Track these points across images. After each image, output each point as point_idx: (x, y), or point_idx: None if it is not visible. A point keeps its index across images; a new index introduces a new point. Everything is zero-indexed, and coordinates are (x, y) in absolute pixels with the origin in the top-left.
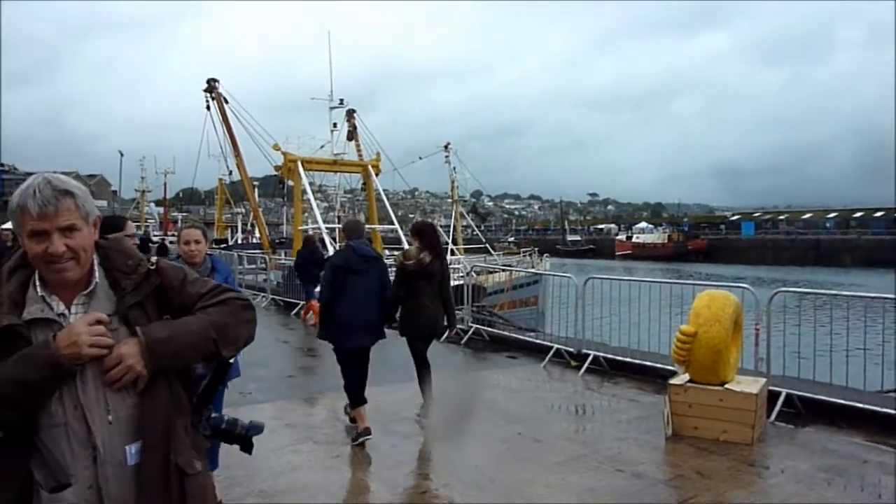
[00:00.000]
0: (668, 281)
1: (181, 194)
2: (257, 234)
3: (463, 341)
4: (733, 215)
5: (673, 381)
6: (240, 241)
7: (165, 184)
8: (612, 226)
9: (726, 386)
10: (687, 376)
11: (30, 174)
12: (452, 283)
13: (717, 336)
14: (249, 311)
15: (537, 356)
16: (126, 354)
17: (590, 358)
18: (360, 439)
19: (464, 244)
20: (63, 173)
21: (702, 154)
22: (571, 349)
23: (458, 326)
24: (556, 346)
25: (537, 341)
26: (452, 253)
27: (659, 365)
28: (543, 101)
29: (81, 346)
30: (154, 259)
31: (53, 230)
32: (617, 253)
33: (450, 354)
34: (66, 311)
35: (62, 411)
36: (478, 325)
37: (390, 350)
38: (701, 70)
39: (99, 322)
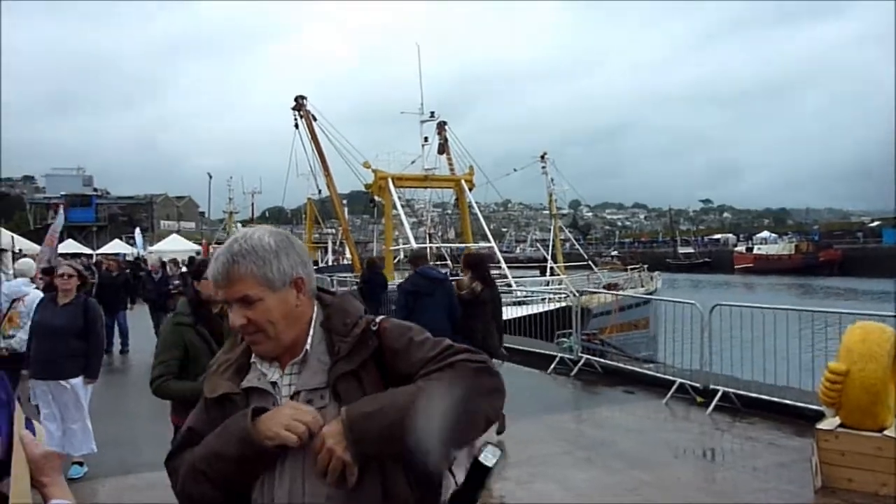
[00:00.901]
0: (808, 309)
1: (267, 214)
2: (347, 255)
3: (573, 373)
4: (872, 221)
5: (821, 425)
6: (330, 263)
7: (253, 204)
8: (730, 236)
9: (885, 432)
10: (837, 420)
11: (123, 199)
12: (557, 304)
13: (874, 375)
14: (490, 376)
15: (657, 391)
16: (327, 435)
17: (718, 394)
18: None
19: (563, 260)
20: (154, 195)
21: (832, 152)
22: (697, 384)
23: (568, 356)
24: (678, 380)
25: (657, 374)
26: (553, 272)
27: (801, 403)
28: (646, 99)
29: (275, 426)
30: (379, 319)
31: (232, 301)
32: (736, 266)
33: (558, 387)
34: (279, 380)
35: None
36: (588, 356)
37: None
38: (827, 60)
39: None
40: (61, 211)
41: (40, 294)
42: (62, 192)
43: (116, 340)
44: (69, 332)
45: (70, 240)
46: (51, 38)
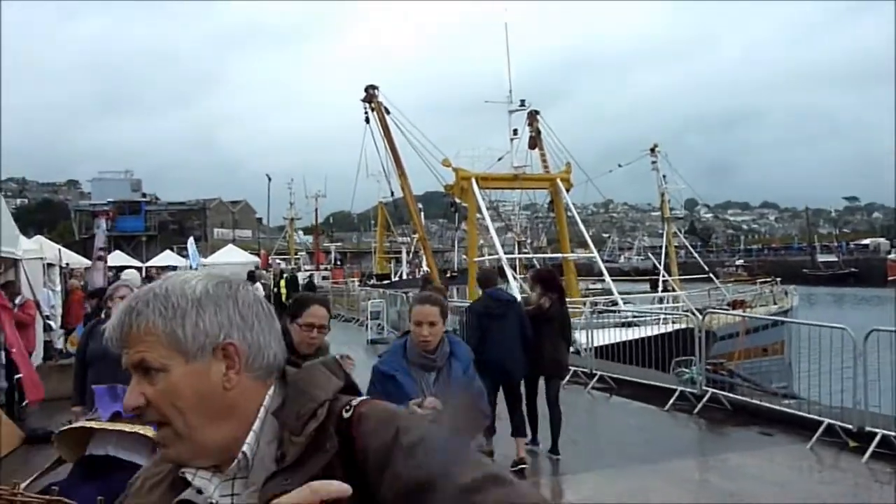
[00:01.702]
0: None
1: (332, 220)
2: (424, 266)
3: (696, 410)
4: None
5: None
6: (404, 275)
7: (316, 210)
8: (881, 240)
9: None
10: None
11: (173, 204)
12: (673, 326)
13: None
14: None
15: (800, 433)
16: None
17: (876, 438)
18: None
19: (679, 272)
20: (204, 200)
21: None
22: (849, 425)
23: (689, 390)
24: (826, 420)
25: (799, 413)
26: (666, 287)
27: None
28: (778, 80)
29: None
30: (354, 402)
31: (130, 369)
32: (890, 278)
33: (678, 428)
34: (218, 499)
35: None
36: (714, 389)
37: (574, 426)
38: None
39: None
40: (102, 224)
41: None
42: (109, 199)
43: None
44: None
45: (118, 251)
46: (99, 32)
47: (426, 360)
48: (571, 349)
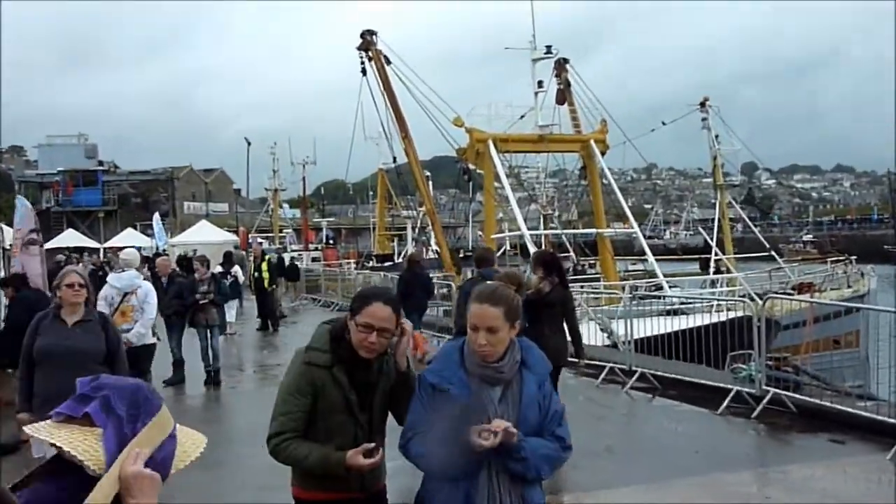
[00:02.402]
0: None
1: (322, 190)
2: (434, 245)
3: (754, 414)
4: None
5: None
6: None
7: (304, 178)
8: None
9: None
10: None
11: (136, 174)
12: (728, 314)
13: None
14: None
15: (878, 441)
16: None
17: None
18: None
19: (735, 249)
20: (172, 169)
21: None
22: None
23: (747, 390)
24: None
25: (878, 417)
26: (720, 267)
27: None
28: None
29: None
30: None
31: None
32: None
33: (734, 435)
34: None
35: None
36: (776, 389)
37: (609, 432)
38: None
39: None
40: (20, 203)
41: (151, 286)
42: (59, 168)
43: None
44: (91, 359)
45: (71, 229)
46: None
47: (490, 372)
48: (582, 339)
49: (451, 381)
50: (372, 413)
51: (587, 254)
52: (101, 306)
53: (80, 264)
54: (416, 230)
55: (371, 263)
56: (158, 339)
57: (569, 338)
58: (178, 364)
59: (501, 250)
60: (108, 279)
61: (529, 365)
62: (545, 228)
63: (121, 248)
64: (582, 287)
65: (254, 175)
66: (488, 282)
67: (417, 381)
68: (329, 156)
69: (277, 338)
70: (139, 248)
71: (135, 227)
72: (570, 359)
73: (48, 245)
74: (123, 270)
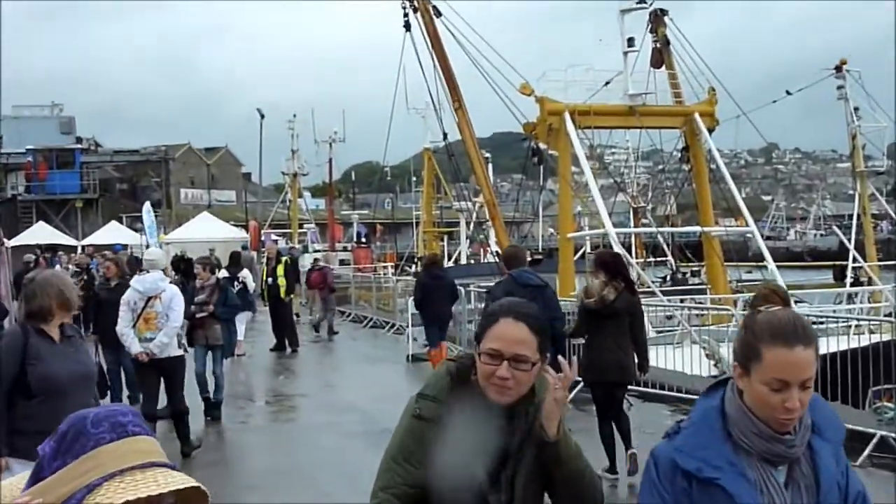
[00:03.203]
0: None
1: (353, 175)
2: (493, 243)
3: None
4: None
5: None
6: (466, 258)
7: (331, 160)
8: None
9: None
10: None
11: (121, 153)
12: (870, 337)
13: None
14: None
15: None
16: None
17: None
18: None
19: (879, 254)
20: (167, 148)
21: None
22: None
23: (894, 435)
24: None
25: None
26: (858, 280)
27: None
28: None
29: None
30: None
31: None
32: None
33: (883, 496)
34: None
35: None
36: None
37: None
38: None
39: None
40: None
41: (177, 290)
42: (28, 147)
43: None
44: (89, 381)
45: (42, 222)
46: None
47: (780, 448)
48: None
49: (717, 465)
50: (513, 496)
51: (689, 258)
52: (124, 313)
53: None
54: (472, 226)
55: (415, 268)
56: (186, 350)
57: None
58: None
59: (580, 252)
60: (131, 282)
61: (820, 427)
62: (636, 225)
63: (103, 247)
64: (682, 301)
65: (267, 156)
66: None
67: (654, 462)
68: (362, 132)
69: (297, 361)
70: (125, 247)
71: (120, 220)
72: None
73: (14, 242)
74: (148, 272)
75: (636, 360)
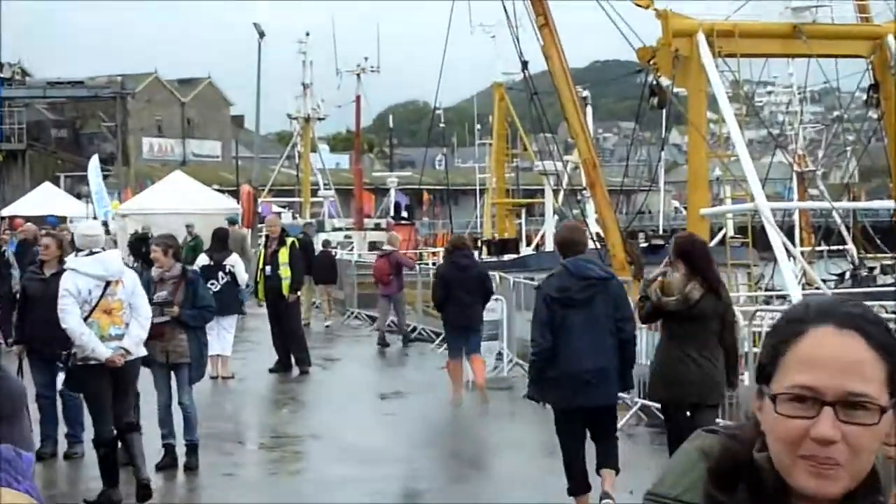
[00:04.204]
0: None
1: (391, 121)
2: (593, 222)
3: None
4: None
5: None
6: (550, 243)
7: (359, 99)
8: None
9: None
10: None
11: (59, 85)
12: None
13: None
14: None
15: None
16: None
17: None
18: None
19: None
20: (123, 78)
21: None
22: None
23: None
24: None
25: None
26: None
27: None
28: None
29: None
30: None
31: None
32: None
33: None
34: None
35: None
36: None
37: None
38: None
39: None
40: None
41: (135, 274)
42: None
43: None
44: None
45: None
46: None
47: None
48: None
49: None
50: None
51: (879, 247)
52: (70, 306)
53: None
54: (561, 197)
55: (484, 256)
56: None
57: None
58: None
59: (719, 237)
60: (77, 265)
61: None
62: (800, 198)
63: (30, 219)
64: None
65: (268, 93)
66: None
67: None
68: (403, 60)
69: (306, 387)
70: (62, 220)
71: (56, 182)
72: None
73: None
74: (91, 252)
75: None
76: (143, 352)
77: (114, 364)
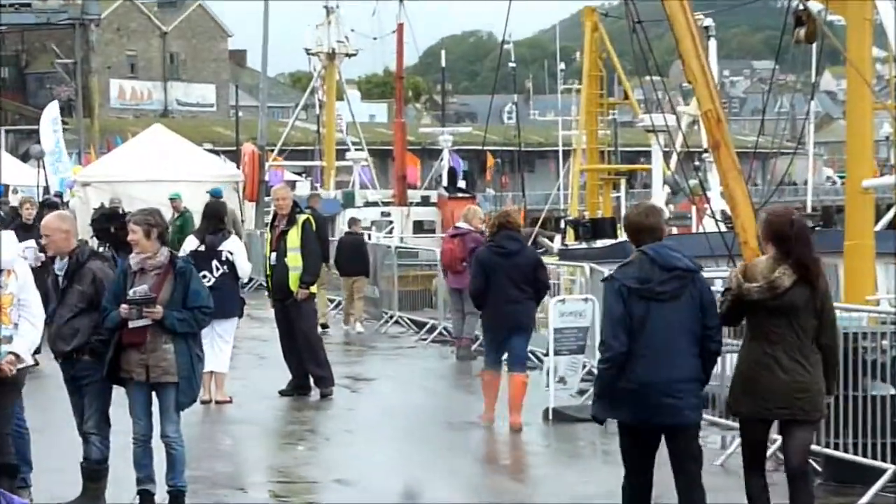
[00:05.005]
0: None
1: (443, 58)
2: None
3: None
4: None
5: None
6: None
7: (401, 27)
8: None
9: None
10: None
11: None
12: None
13: None
14: None
15: None
16: None
17: None
18: None
19: None
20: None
21: None
22: None
23: None
24: None
25: None
26: None
27: None
28: None
29: None
30: None
31: None
32: None
33: None
34: None
35: None
36: None
37: None
38: None
39: None
40: None
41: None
42: None
43: None
44: None
45: None
46: None
47: None
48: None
49: None
50: None
51: None
52: None
53: None
54: (674, 161)
55: (569, 241)
56: (36, 362)
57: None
58: (93, 470)
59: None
60: None
61: None
62: None
63: None
64: None
65: (280, 21)
66: None
67: None
68: None
69: (329, 414)
70: (5, 188)
71: None
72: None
73: None
74: None
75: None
76: (30, 361)
77: (2, 373)
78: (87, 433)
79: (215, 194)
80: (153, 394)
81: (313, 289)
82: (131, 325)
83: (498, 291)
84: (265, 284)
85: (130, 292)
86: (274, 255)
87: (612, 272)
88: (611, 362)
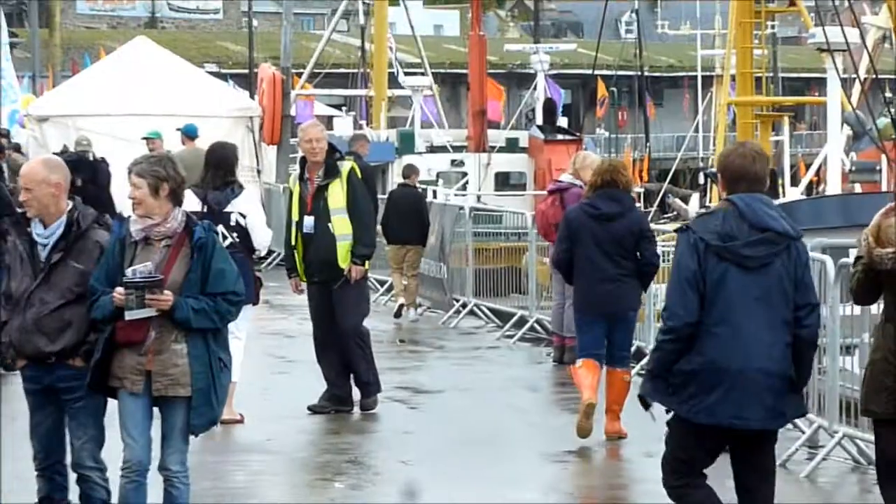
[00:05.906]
0: None
1: None
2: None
3: None
4: None
5: None
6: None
7: None
8: None
9: None
10: None
11: None
12: None
13: None
14: None
15: None
16: None
17: None
18: None
19: None
20: None
21: None
22: None
23: None
24: None
25: None
26: None
27: None
28: None
29: None
30: None
31: None
32: None
33: None
34: None
35: None
36: None
37: None
38: None
39: None
40: None
41: None
42: None
43: None
44: None
45: None
46: None
47: None
48: None
49: None
50: None
51: None
52: None
53: None
54: (857, 91)
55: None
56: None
57: None
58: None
59: None
60: None
61: None
62: None
63: None
64: None
65: None
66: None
67: None
68: None
69: (376, 438)
70: None
71: None
72: None
73: None
74: None
75: None
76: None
77: None
78: (83, 468)
79: (188, 133)
80: (154, 410)
81: (368, 264)
82: (128, 316)
83: (588, 265)
84: (290, 261)
85: (129, 272)
86: (311, 219)
87: (688, 223)
88: (674, 333)
